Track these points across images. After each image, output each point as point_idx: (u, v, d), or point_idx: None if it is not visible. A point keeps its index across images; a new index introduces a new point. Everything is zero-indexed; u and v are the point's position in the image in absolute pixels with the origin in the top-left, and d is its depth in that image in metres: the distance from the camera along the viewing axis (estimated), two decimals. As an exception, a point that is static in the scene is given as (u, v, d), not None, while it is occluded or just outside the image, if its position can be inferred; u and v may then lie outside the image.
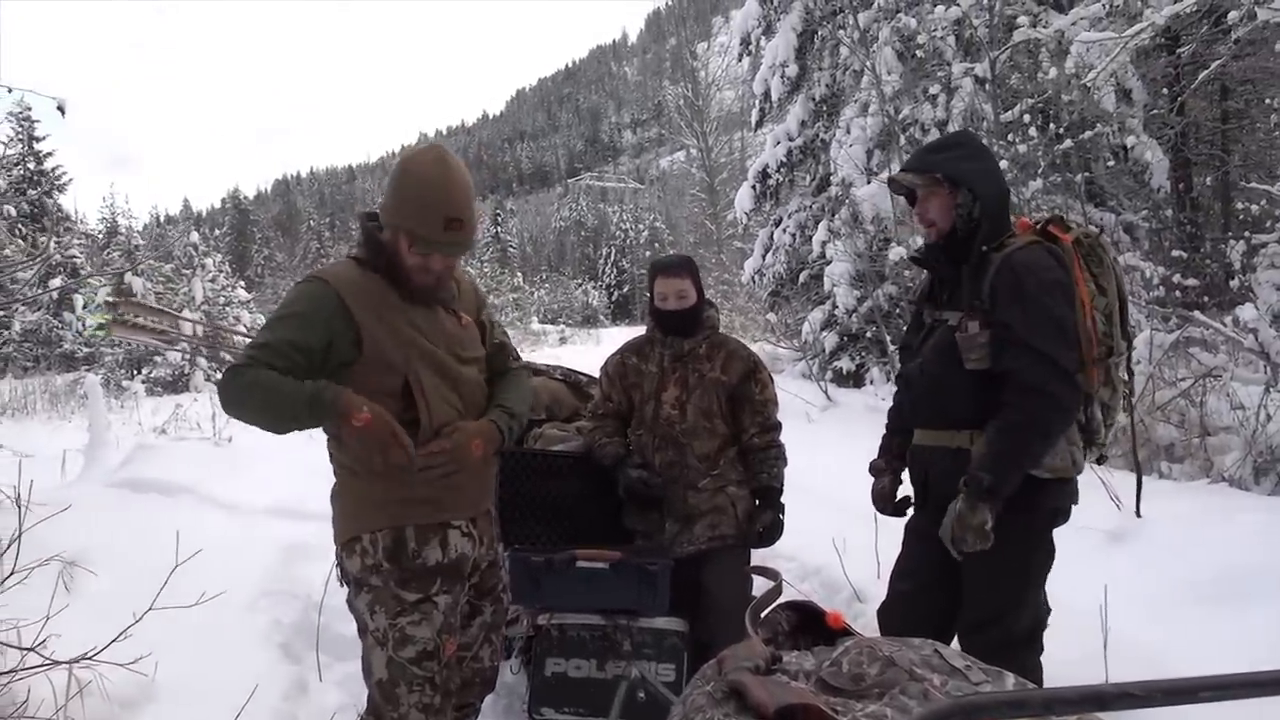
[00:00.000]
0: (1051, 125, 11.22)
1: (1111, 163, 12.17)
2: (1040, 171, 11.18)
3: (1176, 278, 9.57)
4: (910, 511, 3.40)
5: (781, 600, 2.32)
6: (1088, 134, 11.20)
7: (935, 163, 3.07)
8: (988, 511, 2.85)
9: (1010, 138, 10.87)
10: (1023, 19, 10.04)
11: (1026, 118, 10.92)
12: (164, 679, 3.63)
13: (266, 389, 2.56)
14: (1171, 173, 12.21)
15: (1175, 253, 10.70)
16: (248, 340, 5.22)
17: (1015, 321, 2.86)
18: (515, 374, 3.09)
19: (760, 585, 3.52)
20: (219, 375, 21.44)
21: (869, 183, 14.19)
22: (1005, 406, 2.87)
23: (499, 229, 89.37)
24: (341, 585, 2.92)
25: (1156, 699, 1.06)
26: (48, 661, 3.26)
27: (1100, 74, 8.89)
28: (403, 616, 2.74)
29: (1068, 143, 11.02)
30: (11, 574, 3.41)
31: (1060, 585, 3.14)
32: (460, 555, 2.84)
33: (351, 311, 2.69)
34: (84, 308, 28.77)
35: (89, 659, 3.28)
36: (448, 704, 2.85)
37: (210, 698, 3.63)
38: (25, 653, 3.26)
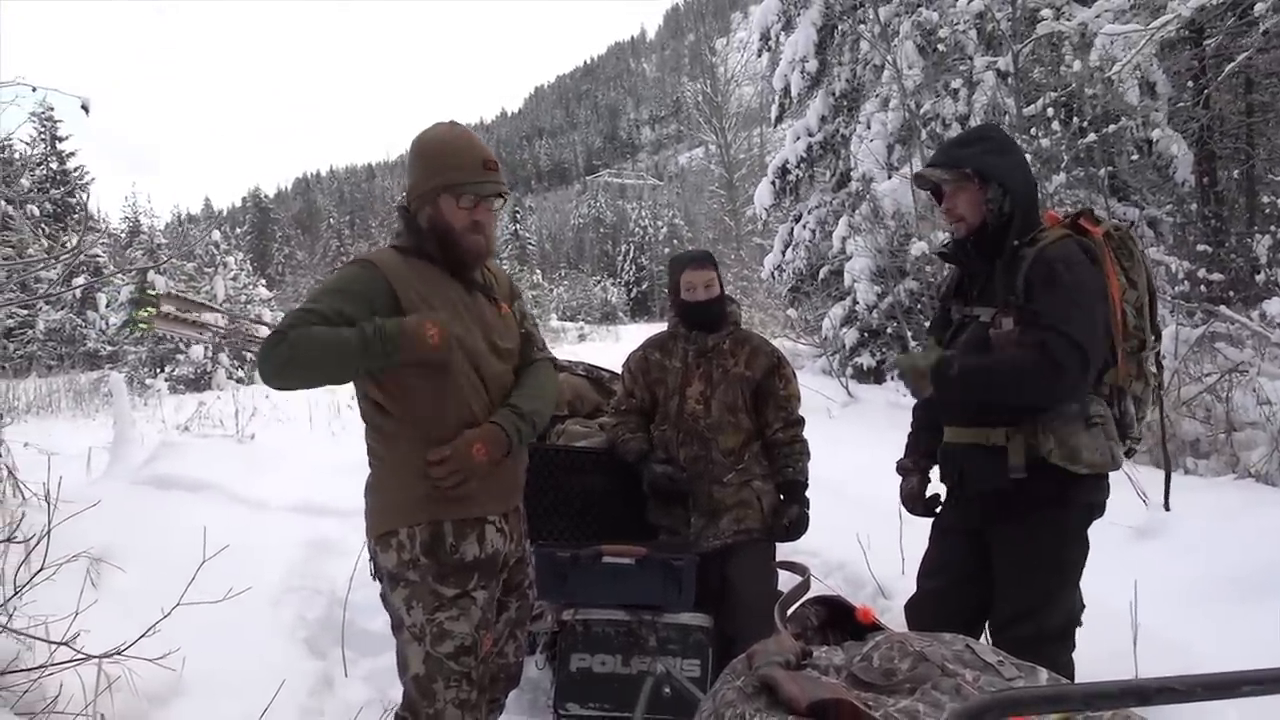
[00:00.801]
0: (1075, 119, 11.16)
1: (1135, 157, 12.10)
2: (1063, 166, 11.13)
3: (1201, 272, 9.52)
4: (939, 510, 3.38)
5: (810, 595, 2.30)
6: (1111, 128, 11.13)
7: (963, 157, 3.05)
8: (928, 383, 3.00)
9: (1033, 132, 10.81)
10: (1046, 12, 9.97)
11: (1050, 112, 10.87)
12: (191, 674, 3.65)
13: (320, 339, 2.54)
14: (1196, 167, 12.13)
15: (1200, 247, 10.64)
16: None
17: (1048, 310, 2.83)
18: (536, 367, 3.04)
19: (785, 579, 3.53)
20: (239, 374, 21.36)
21: (890, 178, 14.16)
22: (1026, 348, 2.84)
23: (518, 226, 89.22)
24: (374, 579, 2.89)
25: (1198, 694, 1.05)
26: (78, 656, 3.28)
27: (1124, 67, 8.83)
28: (441, 611, 2.72)
29: (1091, 137, 10.96)
30: (41, 570, 3.43)
31: (1087, 581, 3.12)
32: (495, 551, 2.83)
33: (398, 297, 2.68)
34: (107, 306, 28.95)
35: (119, 654, 3.30)
36: (483, 700, 2.85)
37: (237, 693, 3.65)
38: (55, 648, 3.28)
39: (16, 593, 3.38)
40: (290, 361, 2.54)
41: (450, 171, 2.75)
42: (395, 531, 2.74)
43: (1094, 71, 9.69)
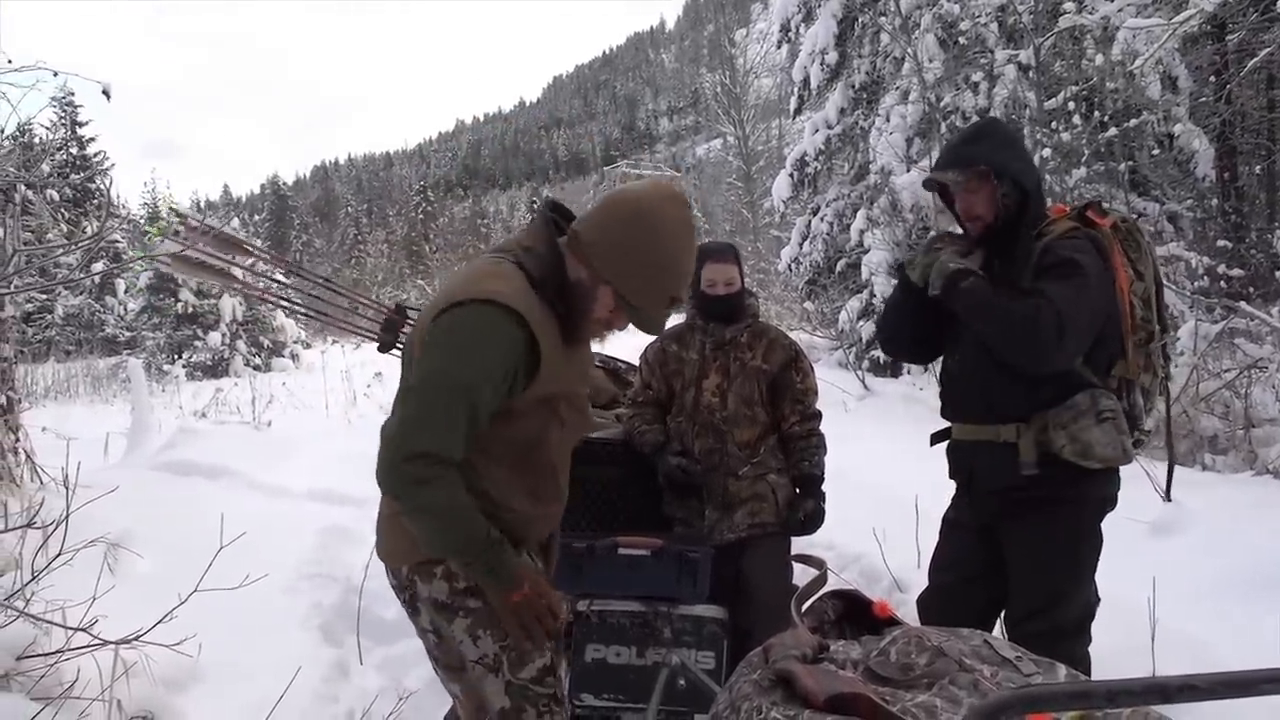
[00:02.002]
0: (1096, 113, 11.10)
1: (1156, 152, 12.03)
2: (1084, 160, 11.07)
3: (1221, 268, 9.49)
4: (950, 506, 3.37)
5: (826, 589, 2.29)
6: (1133, 122, 11.07)
7: (976, 155, 3.01)
8: (942, 282, 2.97)
9: (1053, 126, 10.76)
10: (1068, 5, 9.92)
11: (1071, 105, 10.81)
12: (207, 660, 3.67)
13: (451, 519, 2.24)
14: (1217, 162, 12.05)
15: (1220, 243, 10.60)
16: (287, 299, 5.06)
17: (1050, 290, 2.82)
18: None
19: (801, 573, 3.52)
20: (256, 361, 21.40)
21: (909, 171, 14.10)
22: (1026, 301, 2.82)
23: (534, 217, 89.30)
24: (410, 611, 2.53)
25: (1219, 691, 1.05)
26: (95, 642, 3.30)
27: (1146, 61, 8.78)
28: None
29: (1112, 131, 10.90)
30: (58, 555, 3.45)
31: (1103, 576, 3.11)
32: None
33: (540, 357, 2.31)
34: (125, 292, 29.10)
35: (136, 640, 3.32)
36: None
37: (253, 679, 3.67)
38: (72, 633, 3.30)
39: (34, 577, 3.40)
40: (415, 515, 2.28)
41: (632, 287, 2.33)
42: (440, 560, 2.39)
43: (1116, 65, 9.64)
